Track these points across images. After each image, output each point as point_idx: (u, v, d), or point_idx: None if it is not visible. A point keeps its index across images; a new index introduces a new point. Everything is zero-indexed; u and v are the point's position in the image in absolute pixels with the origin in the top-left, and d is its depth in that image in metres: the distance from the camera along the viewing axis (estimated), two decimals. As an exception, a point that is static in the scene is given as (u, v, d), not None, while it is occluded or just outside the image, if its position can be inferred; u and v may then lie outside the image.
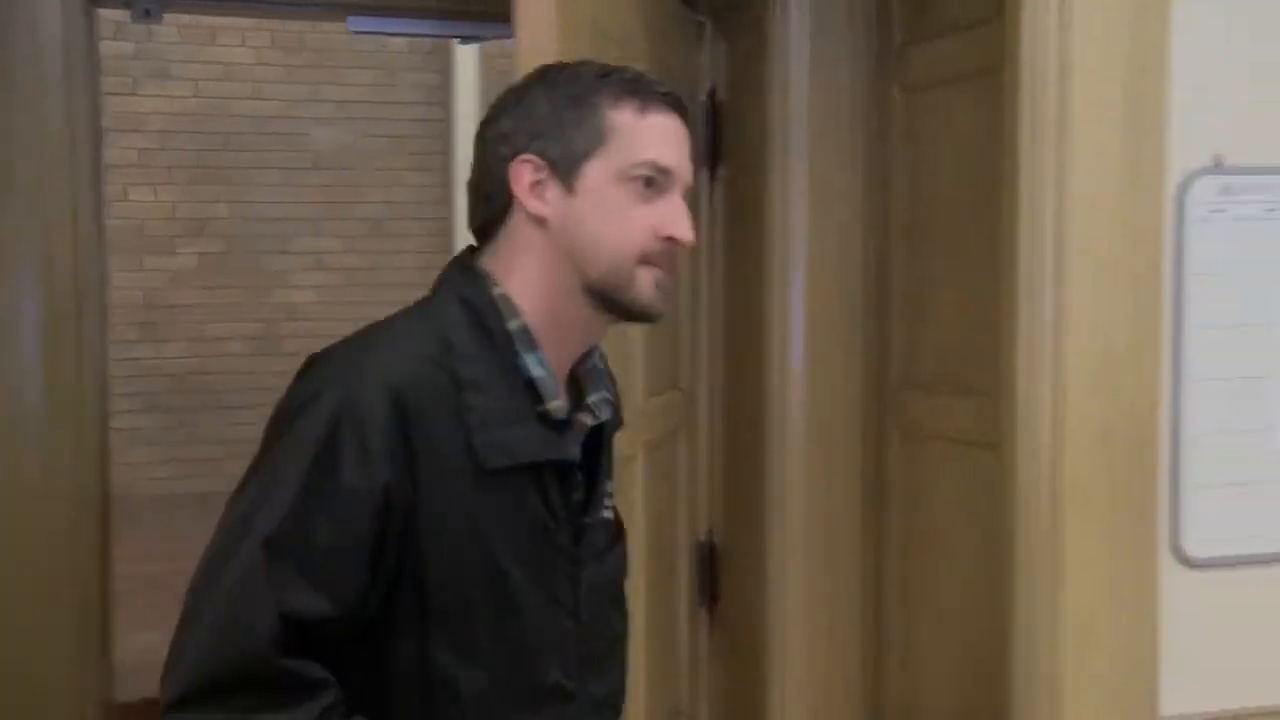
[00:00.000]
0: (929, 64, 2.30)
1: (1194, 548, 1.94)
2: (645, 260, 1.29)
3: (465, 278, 1.32)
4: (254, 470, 1.23)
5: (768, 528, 2.47)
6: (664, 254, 1.30)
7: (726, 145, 2.64)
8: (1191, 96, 1.88)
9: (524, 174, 1.29)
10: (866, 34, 2.42)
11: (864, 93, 2.43)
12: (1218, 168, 1.92)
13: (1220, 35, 1.90)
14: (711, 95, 2.64)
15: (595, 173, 1.29)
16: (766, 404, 2.46)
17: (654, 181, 1.29)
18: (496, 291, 1.30)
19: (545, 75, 1.34)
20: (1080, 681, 1.79)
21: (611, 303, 1.31)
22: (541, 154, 1.29)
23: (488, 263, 1.33)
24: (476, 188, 1.35)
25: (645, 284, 1.30)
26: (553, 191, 1.29)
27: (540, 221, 1.30)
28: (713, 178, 2.66)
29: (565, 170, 1.29)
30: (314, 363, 1.27)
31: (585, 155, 1.29)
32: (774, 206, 2.44)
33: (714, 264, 2.68)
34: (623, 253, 1.29)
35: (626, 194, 1.29)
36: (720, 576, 2.72)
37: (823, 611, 2.46)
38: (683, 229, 1.30)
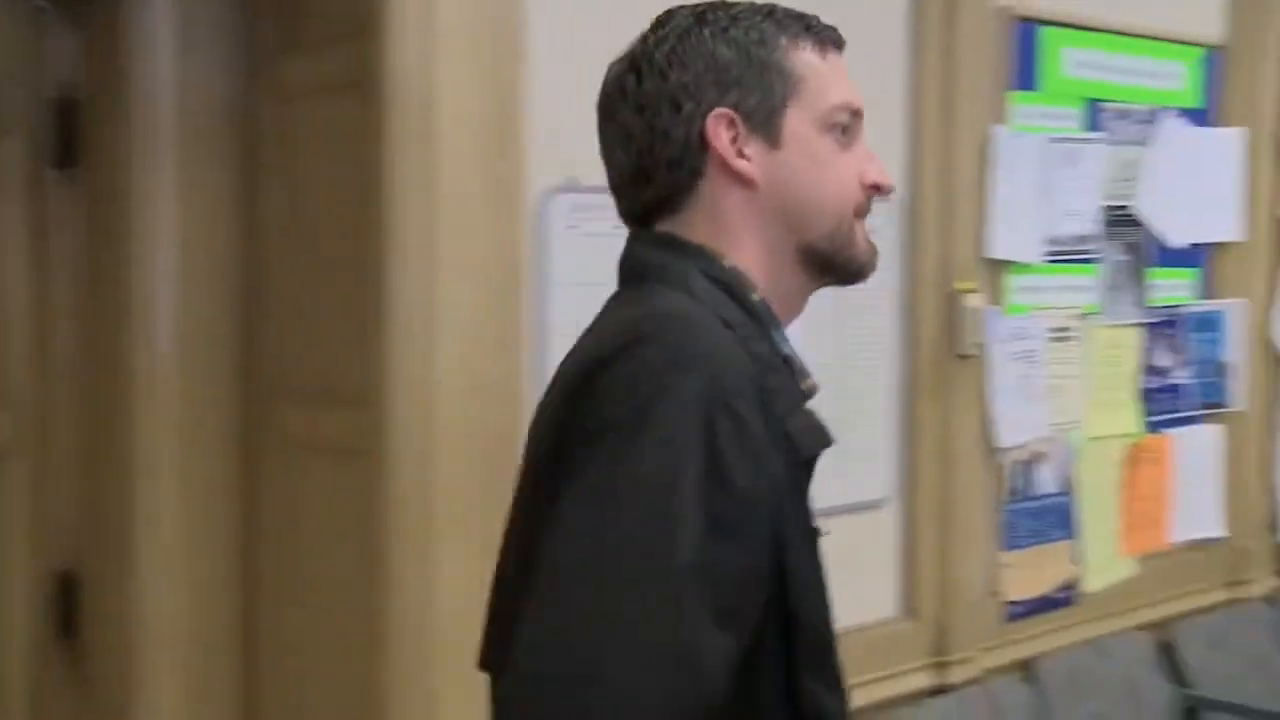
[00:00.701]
0: (301, 73, 2.28)
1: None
2: (859, 214, 1.17)
3: (687, 253, 1.13)
4: (600, 478, 0.97)
5: (135, 550, 2.32)
6: (867, 205, 1.18)
7: (83, 145, 2.46)
8: (549, 119, 2.02)
9: (721, 132, 1.13)
10: (237, 38, 2.36)
11: (237, 97, 2.36)
12: (572, 187, 2.08)
13: (571, 64, 2.06)
14: (62, 91, 2.44)
15: (797, 121, 1.15)
16: (132, 420, 2.32)
17: (848, 128, 1.17)
18: (728, 264, 1.13)
19: (705, 17, 1.16)
20: (455, 683, 1.84)
21: (831, 265, 1.18)
22: (737, 106, 1.13)
23: (687, 236, 1.15)
24: (645, 168, 1.15)
25: (862, 240, 1.18)
26: (754, 148, 1.14)
27: (747, 183, 1.14)
28: (65, 180, 2.46)
29: (765, 123, 1.14)
30: (617, 357, 1.02)
31: (781, 101, 1.14)
32: (139, 212, 2.30)
33: (64, 273, 2.48)
34: (843, 207, 1.16)
35: (829, 143, 1.16)
36: (82, 607, 2.52)
37: (199, 630, 2.35)
38: (887, 175, 1.19)
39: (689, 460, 0.97)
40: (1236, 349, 3.28)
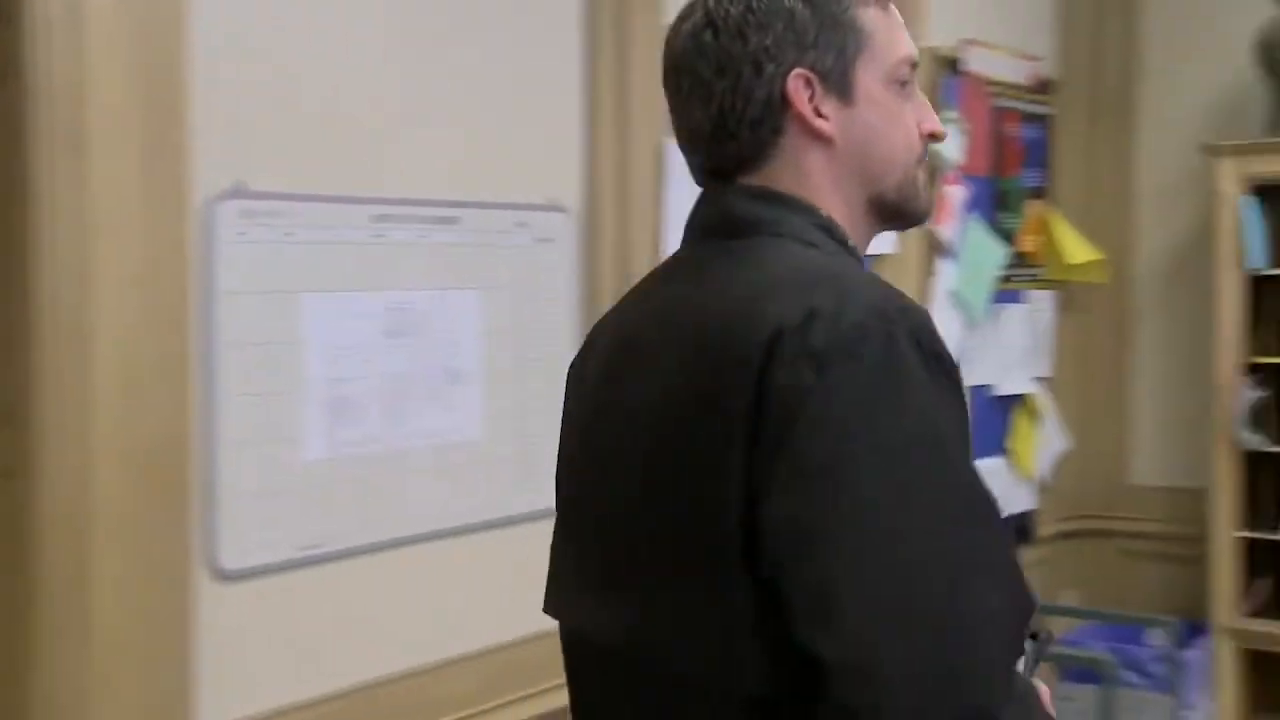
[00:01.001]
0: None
1: (231, 559, 2.00)
2: (920, 162, 1.23)
3: (793, 207, 1.18)
4: (864, 442, 1.00)
5: None
6: (924, 152, 1.24)
7: None
8: (215, 120, 1.94)
9: (799, 89, 1.17)
10: None
11: None
12: (241, 192, 2.00)
13: (237, 66, 1.98)
14: None
15: (866, 78, 1.19)
16: None
17: (908, 81, 1.22)
18: (825, 215, 1.19)
19: None
20: (109, 703, 1.75)
21: (900, 213, 1.24)
22: (814, 69, 1.17)
23: (782, 190, 1.19)
24: (724, 124, 1.18)
25: (923, 187, 1.24)
26: (830, 106, 1.18)
27: (826, 140, 1.18)
28: None
29: (840, 81, 1.18)
30: (820, 305, 1.03)
31: (853, 60, 1.18)
32: None
33: None
34: (910, 158, 1.22)
35: (894, 96, 1.21)
36: None
37: None
38: (937, 124, 1.24)
39: (933, 401, 1.03)
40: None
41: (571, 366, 1.33)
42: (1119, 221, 4.36)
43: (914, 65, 1.24)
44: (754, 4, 1.18)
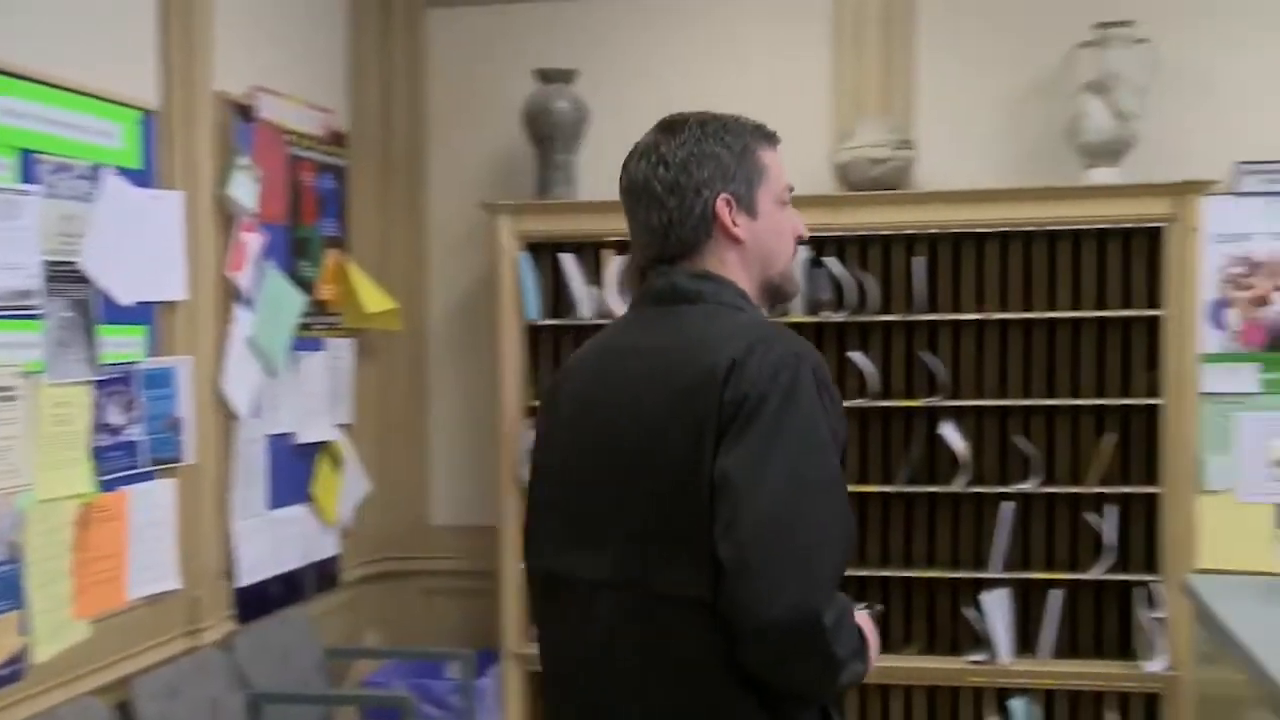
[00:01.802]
0: None
1: None
2: (793, 255, 1.85)
3: (724, 284, 1.77)
4: (766, 437, 1.59)
5: None
6: (796, 250, 1.86)
7: None
8: None
9: (725, 209, 1.76)
10: None
11: None
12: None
13: None
14: None
15: (764, 201, 1.79)
16: None
17: (788, 200, 1.83)
18: (741, 289, 1.78)
19: (705, 129, 1.77)
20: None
21: (779, 292, 1.84)
22: (733, 193, 1.77)
23: (715, 273, 1.78)
24: (673, 225, 1.76)
25: (796, 273, 1.88)
26: (742, 219, 1.77)
27: (739, 242, 1.78)
28: None
29: (748, 202, 1.78)
30: (751, 355, 1.63)
31: (756, 188, 1.78)
32: None
33: None
34: (789, 254, 1.84)
35: (779, 211, 1.81)
36: None
37: None
38: (804, 230, 1.86)
39: (817, 415, 1.62)
40: (188, 404, 3.38)
41: (547, 394, 1.88)
42: (412, 272, 4.56)
43: (791, 189, 1.84)
44: (694, 150, 1.76)
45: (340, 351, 4.23)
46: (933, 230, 3.97)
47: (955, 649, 4.02)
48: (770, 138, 1.83)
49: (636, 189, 1.78)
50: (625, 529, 1.68)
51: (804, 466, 1.60)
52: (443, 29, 4.55)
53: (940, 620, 4.06)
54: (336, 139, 4.27)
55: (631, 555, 1.67)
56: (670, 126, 1.79)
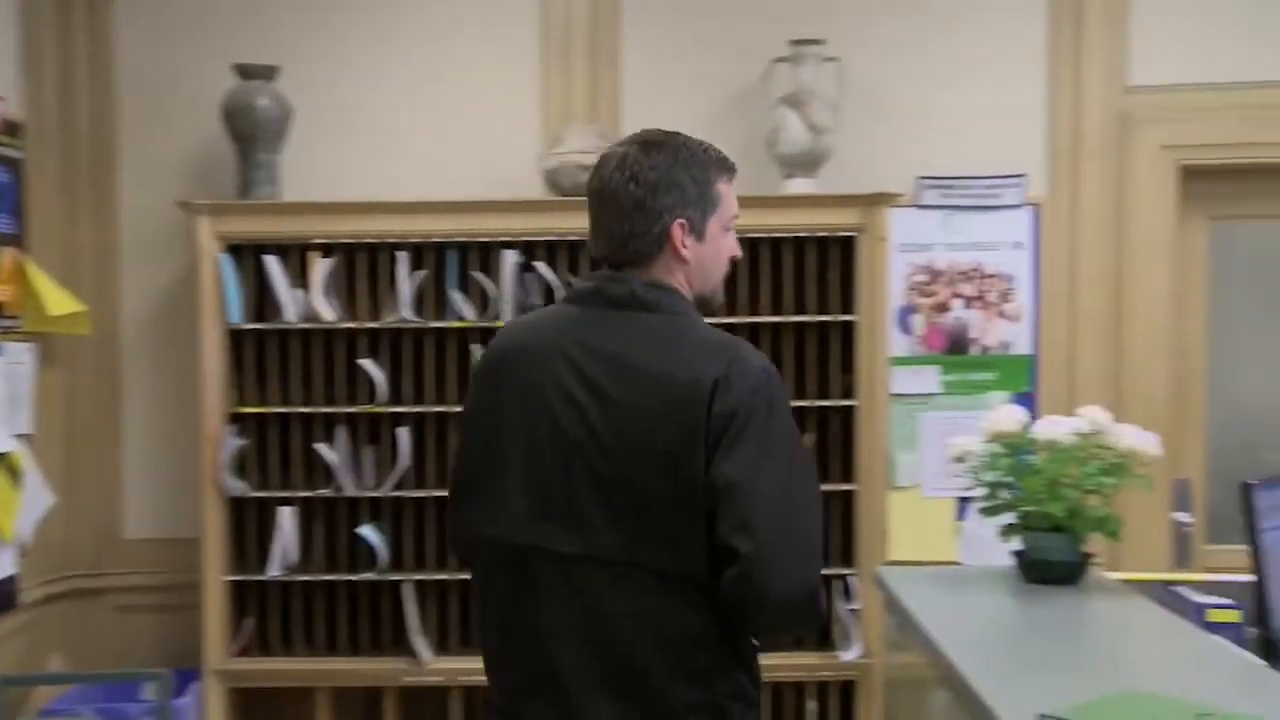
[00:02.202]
0: None
1: None
2: (725, 274, 2.13)
3: (677, 294, 2.03)
4: (758, 440, 1.90)
5: None
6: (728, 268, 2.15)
7: None
8: None
9: (679, 232, 2.01)
10: None
11: None
12: None
13: None
14: None
15: (713, 227, 2.05)
16: None
17: (732, 227, 2.10)
18: (687, 300, 2.06)
19: (678, 155, 2.02)
20: None
21: (707, 304, 2.10)
22: (688, 218, 2.02)
23: (665, 283, 2.04)
24: (633, 236, 2.01)
25: (722, 290, 2.15)
26: (691, 241, 2.03)
27: (686, 261, 2.03)
28: None
29: (699, 227, 2.04)
30: (733, 373, 1.92)
31: (709, 216, 2.04)
32: None
33: None
34: (721, 274, 2.11)
35: (724, 238, 2.08)
36: None
37: None
38: (738, 252, 2.14)
39: (790, 419, 1.98)
40: None
41: (482, 375, 2.11)
42: (102, 273, 4.31)
43: (736, 217, 2.10)
44: (664, 175, 2.00)
45: (19, 357, 3.95)
46: (641, 236, 4.04)
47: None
48: (729, 169, 2.09)
49: (606, 195, 2.03)
50: (610, 511, 1.94)
51: (793, 468, 1.94)
52: (131, 16, 4.32)
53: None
54: (10, 129, 3.98)
55: (620, 535, 1.94)
56: (647, 145, 2.03)
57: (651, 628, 1.95)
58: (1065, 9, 4.28)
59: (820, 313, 4.08)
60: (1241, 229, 4.49)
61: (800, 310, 4.09)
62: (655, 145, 2.02)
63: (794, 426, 2.00)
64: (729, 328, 4.01)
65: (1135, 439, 3.04)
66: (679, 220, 2.01)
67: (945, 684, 2.49)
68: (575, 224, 4.02)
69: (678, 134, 2.07)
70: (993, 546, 3.06)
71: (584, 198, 3.98)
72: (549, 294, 4.03)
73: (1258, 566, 2.95)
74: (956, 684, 2.35)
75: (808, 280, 4.09)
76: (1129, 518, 4.12)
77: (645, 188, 1.99)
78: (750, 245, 4.06)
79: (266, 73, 4.09)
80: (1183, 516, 4.35)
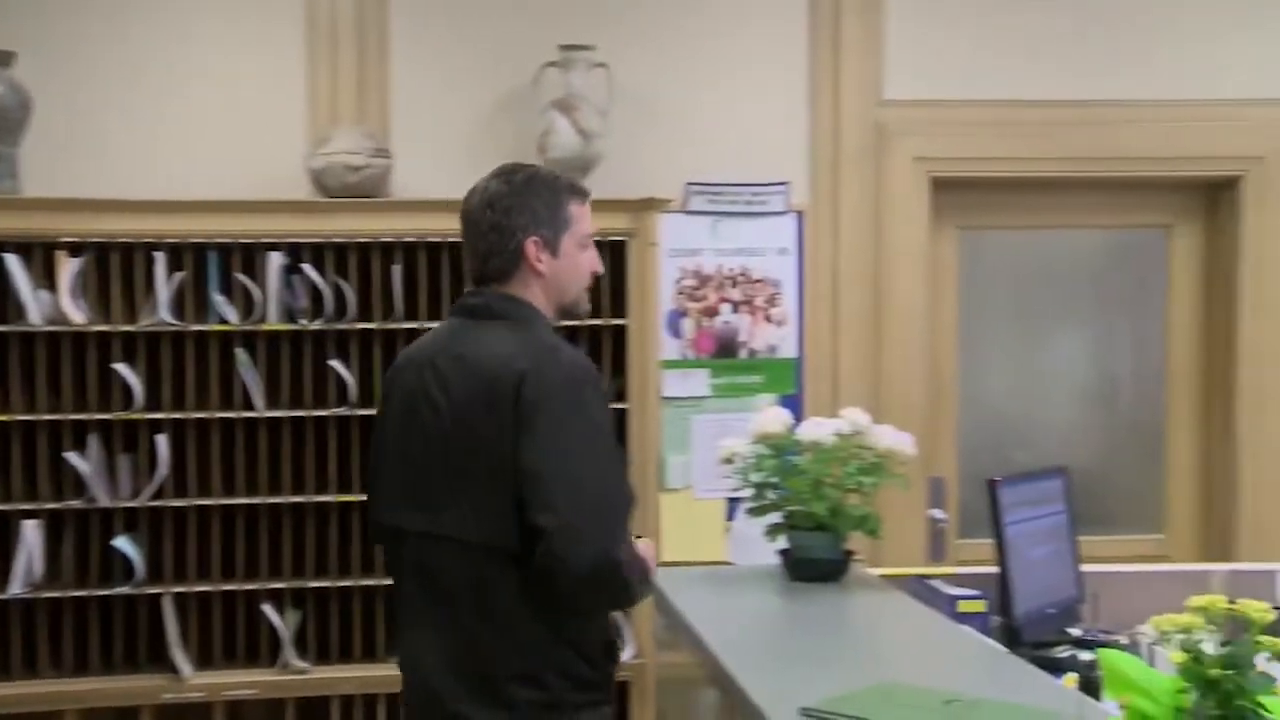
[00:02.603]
0: None
1: None
2: (586, 286, 2.41)
3: (524, 306, 2.31)
4: (562, 424, 2.15)
5: None
6: (589, 281, 2.42)
7: None
8: None
9: (532, 249, 2.29)
10: None
11: None
12: None
13: None
14: None
15: (567, 244, 2.33)
16: None
17: (588, 244, 2.38)
18: (538, 310, 2.33)
19: (530, 183, 2.31)
20: None
21: (569, 313, 2.40)
22: (541, 236, 2.30)
23: (517, 296, 2.32)
24: (492, 254, 2.30)
25: (585, 299, 2.43)
26: (546, 256, 2.31)
27: (541, 275, 2.31)
28: None
29: (553, 245, 2.31)
30: (545, 365, 2.19)
31: (561, 234, 2.32)
32: None
33: None
34: (580, 286, 2.39)
35: (580, 253, 2.36)
36: None
37: None
38: (599, 267, 2.45)
39: (598, 406, 2.24)
40: None
41: (384, 388, 2.43)
42: None
43: (590, 236, 2.37)
44: (516, 201, 2.28)
45: None
46: (410, 239, 3.99)
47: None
48: (581, 194, 2.38)
49: (469, 221, 2.34)
50: (449, 493, 2.22)
51: (597, 452, 2.18)
52: None
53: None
54: None
55: (454, 513, 2.22)
56: (502, 174, 2.34)
57: (478, 600, 2.21)
58: (824, 21, 4.43)
59: (592, 317, 4.10)
60: (988, 237, 4.75)
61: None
62: (509, 173, 2.34)
63: (604, 417, 2.24)
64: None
65: (892, 439, 3.17)
66: (532, 239, 2.30)
67: (713, 682, 2.54)
68: (343, 225, 3.94)
69: (533, 165, 2.41)
70: (761, 546, 3.14)
71: (352, 199, 3.99)
72: (317, 297, 3.93)
73: (1002, 559, 3.12)
74: (724, 682, 2.40)
75: (580, 284, 4.11)
76: (888, 515, 4.28)
77: (500, 211, 2.30)
78: (522, 249, 4.05)
79: (2, 59, 3.84)
80: (937, 513, 4.57)
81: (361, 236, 3.96)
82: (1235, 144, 4.56)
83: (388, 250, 4.00)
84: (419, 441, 2.28)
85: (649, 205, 4.05)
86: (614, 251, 4.08)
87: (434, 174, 4.20)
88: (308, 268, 3.93)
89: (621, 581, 2.16)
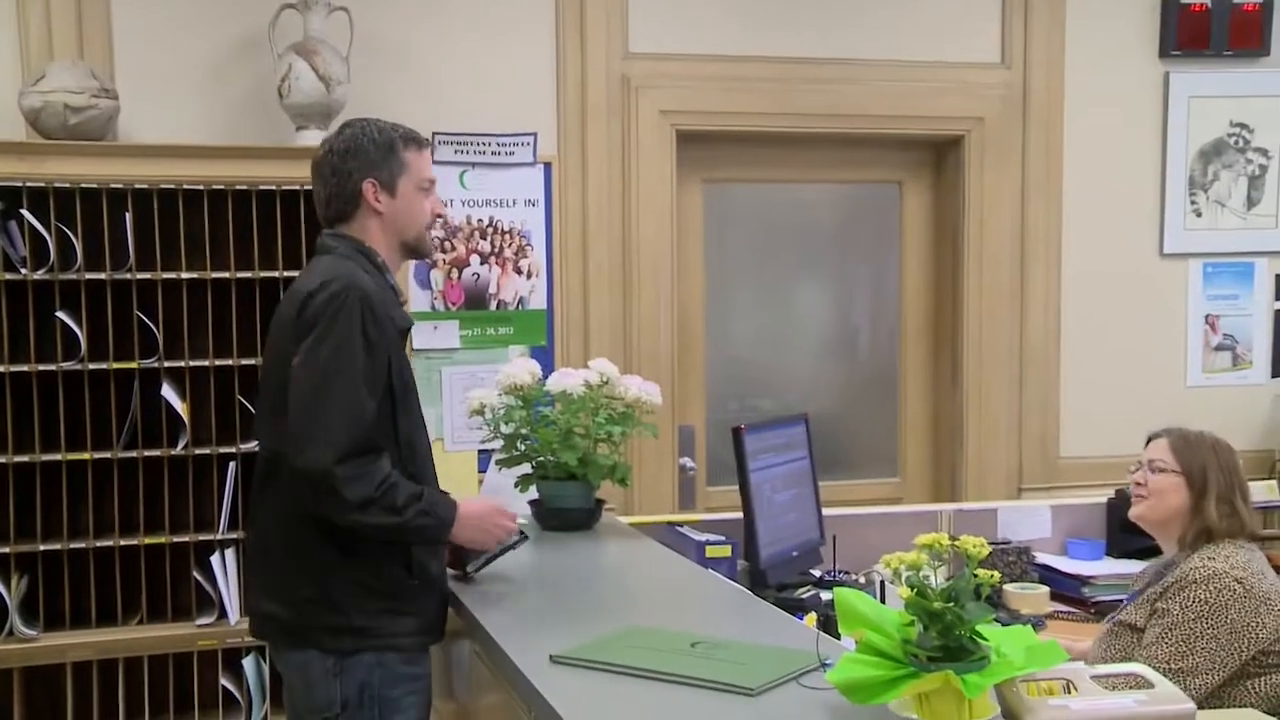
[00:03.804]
0: None
1: None
2: (429, 227, 2.66)
3: (345, 241, 2.57)
4: (319, 340, 2.40)
5: None
6: (433, 222, 2.67)
7: None
8: None
9: (369, 190, 2.56)
10: None
11: None
12: None
13: None
14: None
15: (404, 186, 2.58)
16: None
17: (429, 188, 2.63)
18: (366, 245, 2.57)
19: (364, 130, 2.58)
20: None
21: (414, 251, 2.67)
22: (376, 178, 2.56)
23: (350, 234, 2.58)
24: (334, 198, 2.59)
25: (427, 240, 2.67)
26: (384, 198, 2.57)
27: (379, 214, 2.57)
28: None
29: (389, 186, 2.57)
30: (319, 290, 2.43)
31: (397, 177, 2.58)
32: None
33: None
34: (421, 226, 2.63)
35: (420, 196, 2.61)
36: None
37: None
38: (441, 207, 2.70)
39: (355, 329, 2.41)
40: None
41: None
42: None
43: (432, 181, 2.65)
44: (352, 146, 2.57)
45: None
46: (142, 185, 3.78)
47: (182, 615, 3.91)
48: (417, 141, 2.63)
49: (315, 169, 2.60)
50: (268, 409, 2.54)
51: (328, 364, 2.37)
52: None
53: (165, 587, 3.93)
54: None
55: (261, 428, 2.58)
56: (345, 126, 2.62)
57: (274, 509, 2.51)
58: (573, -27, 4.41)
59: (338, 268, 3.99)
60: (733, 190, 4.85)
61: (317, 266, 3.98)
62: (350, 125, 2.61)
63: (353, 337, 2.40)
64: (247, 283, 3.92)
65: (640, 389, 3.22)
66: (368, 180, 2.55)
67: (466, 633, 2.54)
68: (66, 170, 3.70)
69: (374, 118, 2.64)
70: (513, 497, 3.15)
71: (74, 140, 3.75)
72: (40, 244, 3.69)
73: (747, 504, 3.22)
74: (475, 632, 2.40)
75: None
76: (638, 464, 4.38)
77: (337, 156, 2.56)
78: (264, 198, 3.90)
79: None
80: (686, 461, 4.68)
81: (87, 182, 3.73)
82: (958, 105, 4.80)
83: (117, 197, 3.79)
84: (266, 365, 2.61)
85: (396, 154, 3.96)
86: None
87: (164, 118, 4.01)
88: (27, 213, 3.68)
89: (333, 492, 2.34)
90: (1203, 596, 2.56)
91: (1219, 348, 5.09)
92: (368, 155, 2.55)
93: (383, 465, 2.38)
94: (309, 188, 3.87)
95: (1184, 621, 2.56)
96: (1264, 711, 2.43)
